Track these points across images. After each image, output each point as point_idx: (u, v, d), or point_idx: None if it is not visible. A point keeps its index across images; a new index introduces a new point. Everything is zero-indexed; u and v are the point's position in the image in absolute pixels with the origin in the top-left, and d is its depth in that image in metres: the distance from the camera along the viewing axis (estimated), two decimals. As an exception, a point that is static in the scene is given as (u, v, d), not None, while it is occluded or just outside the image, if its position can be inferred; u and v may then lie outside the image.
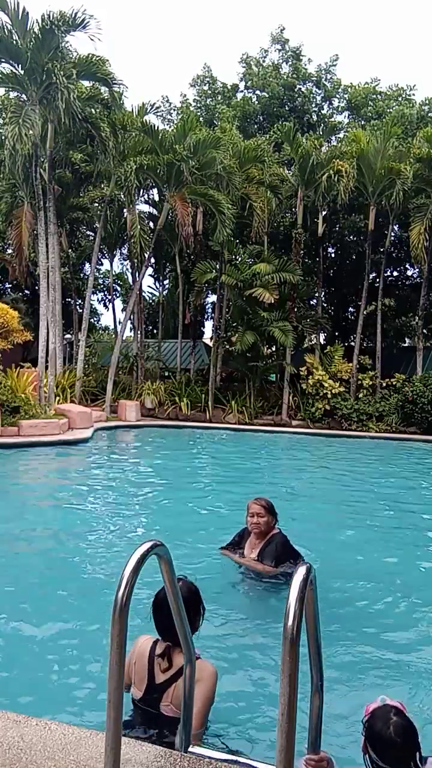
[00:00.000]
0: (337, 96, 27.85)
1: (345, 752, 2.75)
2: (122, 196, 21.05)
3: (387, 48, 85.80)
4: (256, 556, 5.32)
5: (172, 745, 2.39)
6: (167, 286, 29.62)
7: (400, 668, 3.98)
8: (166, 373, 24.92)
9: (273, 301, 19.86)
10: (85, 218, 24.39)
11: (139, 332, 24.39)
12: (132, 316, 23.48)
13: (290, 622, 1.64)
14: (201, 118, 25.41)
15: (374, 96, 27.27)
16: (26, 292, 29.60)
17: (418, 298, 21.82)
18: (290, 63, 27.55)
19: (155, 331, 30.48)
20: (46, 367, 17.59)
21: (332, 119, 27.41)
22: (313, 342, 24.50)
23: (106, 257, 26.81)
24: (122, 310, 30.45)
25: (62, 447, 13.64)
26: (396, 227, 23.58)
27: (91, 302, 25.84)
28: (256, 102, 27.15)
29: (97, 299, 32.56)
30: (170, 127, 24.20)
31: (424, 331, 24.05)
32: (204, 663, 2.78)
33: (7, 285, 30.01)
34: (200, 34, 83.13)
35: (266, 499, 5.32)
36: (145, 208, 24.32)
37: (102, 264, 28.84)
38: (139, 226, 19.40)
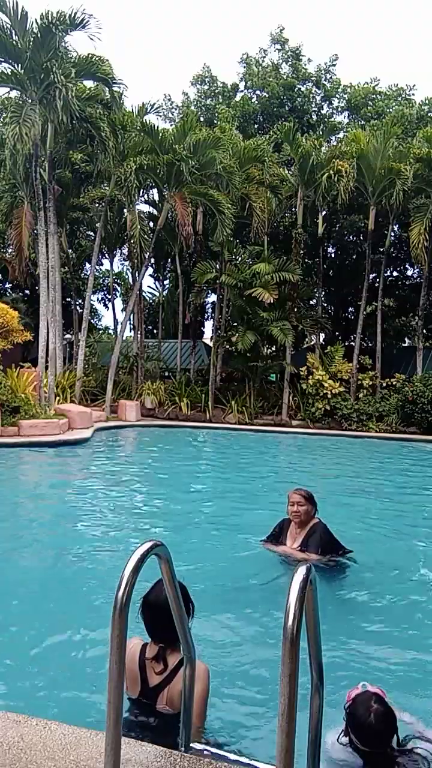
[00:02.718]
0: (337, 96, 27.86)
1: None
2: (122, 196, 21.04)
3: (387, 48, 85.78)
4: (298, 545, 5.45)
5: (170, 742, 2.40)
6: (167, 286, 29.62)
7: (400, 663, 3.98)
8: (166, 373, 24.92)
9: (273, 301, 19.86)
10: (85, 218, 24.40)
11: (139, 332, 24.39)
12: (132, 316, 23.48)
13: (290, 622, 1.64)
14: (201, 118, 25.42)
15: (374, 96, 27.27)
16: (26, 292, 29.61)
17: (418, 298, 21.82)
18: (290, 63, 27.56)
19: (155, 331, 30.49)
20: (46, 367, 17.59)
21: (332, 119, 27.42)
22: (313, 342, 24.50)
23: (106, 257, 26.83)
24: (122, 310, 30.48)
25: (62, 447, 13.64)
26: (396, 227, 23.58)
27: (91, 302, 25.85)
28: (256, 102, 27.16)
29: (97, 299, 32.62)
30: (172, 126, 24.19)
31: (424, 331, 24.06)
32: (198, 663, 2.78)
33: (7, 285, 30.03)
34: (200, 34, 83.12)
35: (306, 489, 5.54)
36: (145, 208, 24.37)
37: (102, 264, 28.88)
38: (139, 226, 19.41)
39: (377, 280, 23.22)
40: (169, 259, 26.26)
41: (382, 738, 2.43)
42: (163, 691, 2.73)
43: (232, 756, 2.33)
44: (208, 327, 30.67)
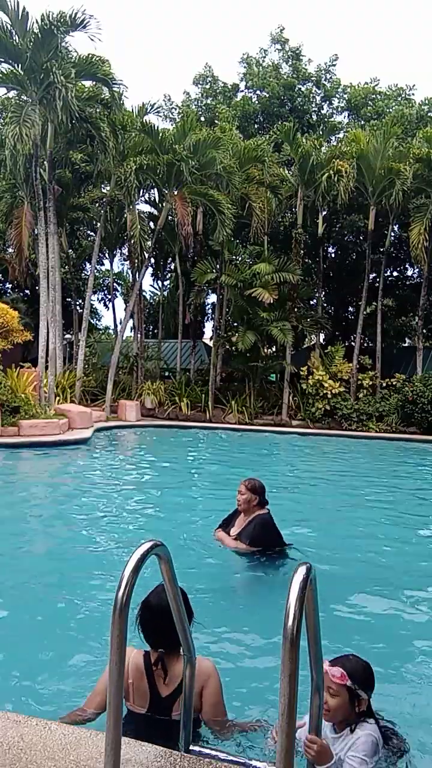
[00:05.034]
0: (337, 96, 27.85)
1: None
2: (122, 196, 21.04)
3: (387, 48, 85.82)
4: (236, 534, 5.71)
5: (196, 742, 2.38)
6: (167, 286, 29.60)
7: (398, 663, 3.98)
8: (166, 373, 24.91)
9: (273, 301, 19.85)
10: (85, 218, 24.38)
11: (139, 332, 24.37)
12: (132, 316, 23.48)
13: (290, 623, 1.64)
14: (202, 118, 25.39)
15: (374, 96, 27.26)
16: (26, 292, 29.59)
17: (418, 298, 21.81)
18: (290, 63, 27.54)
19: (155, 331, 30.47)
20: (46, 367, 17.59)
21: (332, 119, 27.41)
22: (313, 342, 24.48)
23: (106, 257, 26.80)
24: (124, 310, 30.45)
25: (62, 447, 13.64)
26: (396, 227, 23.57)
27: (91, 302, 25.84)
28: (256, 102, 27.15)
29: (97, 299, 32.59)
30: (172, 126, 24.18)
31: (424, 331, 24.04)
32: (202, 661, 2.73)
33: (7, 285, 30.01)
34: (201, 34, 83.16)
35: (255, 480, 5.76)
36: (145, 208, 24.35)
37: (102, 264, 28.85)
38: (139, 226, 19.40)
39: (377, 280, 23.21)
40: (169, 259, 26.24)
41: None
42: (178, 700, 2.63)
43: (232, 756, 2.33)
44: (208, 327, 30.66)
